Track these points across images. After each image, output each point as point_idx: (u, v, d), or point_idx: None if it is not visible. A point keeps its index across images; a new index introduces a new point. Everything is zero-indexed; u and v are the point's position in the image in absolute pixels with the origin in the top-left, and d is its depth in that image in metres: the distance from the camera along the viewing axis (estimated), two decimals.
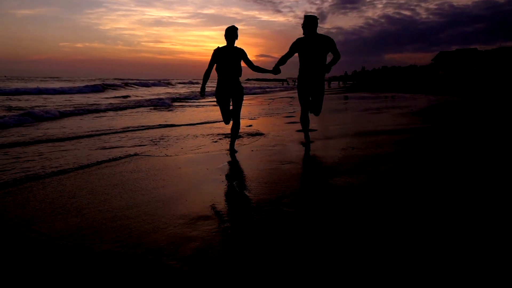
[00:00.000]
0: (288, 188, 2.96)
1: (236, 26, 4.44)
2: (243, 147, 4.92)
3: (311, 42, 4.45)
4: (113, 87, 30.24)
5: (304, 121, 4.84)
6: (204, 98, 5.13)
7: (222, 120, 4.70)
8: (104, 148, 5.06)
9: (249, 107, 13.38)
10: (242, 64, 4.58)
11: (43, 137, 6.01)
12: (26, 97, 17.68)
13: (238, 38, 4.46)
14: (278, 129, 6.64)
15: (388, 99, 14.72)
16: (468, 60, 61.61)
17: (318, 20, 4.49)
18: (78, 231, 2.25)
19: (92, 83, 36.63)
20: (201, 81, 4.75)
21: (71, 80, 53.81)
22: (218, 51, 4.39)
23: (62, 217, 2.49)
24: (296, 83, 4.71)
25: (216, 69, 4.46)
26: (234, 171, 3.69)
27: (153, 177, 3.48)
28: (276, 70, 4.67)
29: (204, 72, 4.55)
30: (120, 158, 4.35)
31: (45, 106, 12.61)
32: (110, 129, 6.99)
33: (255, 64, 4.67)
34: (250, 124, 7.45)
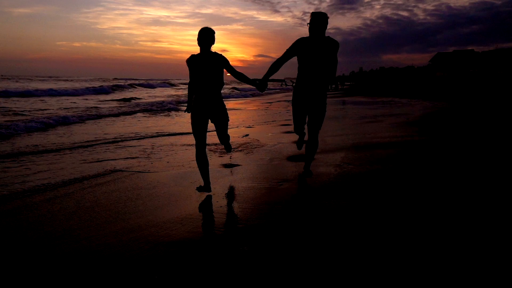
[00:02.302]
0: (282, 213, 2.99)
1: (212, 28, 3.50)
2: (239, 161, 4.94)
3: (317, 45, 3.58)
4: (120, 88, 31.06)
5: (300, 142, 4.34)
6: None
7: (195, 148, 3.63)
8: (92, 161, 5.06)
9: (247, 112, 13.41)
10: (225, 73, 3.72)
11: (36, 148, 6.00)
12: (32, 99, 17.80)
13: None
14: (275, 140, 6.67)
15: (385, 105, 14.78)
16: (465, 62, 61.91)
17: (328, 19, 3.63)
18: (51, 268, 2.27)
19: (92, 83, 36.78)
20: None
21: (71, 80, 53.62)
22: (192, 60, 3.51)
23: (28, 252, 2.47)
24: (294, 84, 3.83)
25: (190, 82, 3.62)
26: (227, 190, 3.70)
27: (135, 198, 3.48)
28: (262, 85, 3.77)
29: (188, 85, 3.70)
30: (105, 174, 4.35)
31: (46, 110, 12.58)
32: (105, 139, 6.98)
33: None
34: (247, 133, 7.47)
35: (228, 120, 3.74)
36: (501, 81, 25.50)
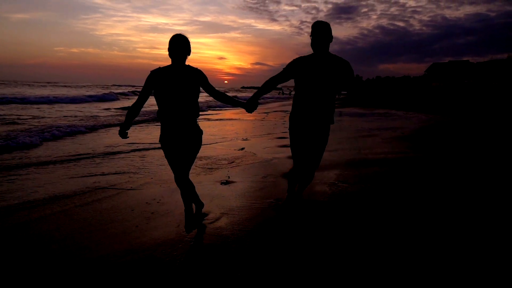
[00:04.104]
0: (277, 236, 3.01)
1: (186, 36, 2.76)
2: (235, 177, 4.95)
3: (319, 65, 2.97)
4: (123, 96, 31.48)
5: (294, 178, 3.42)
6: (127, 139, 2.94)
7: (174, 178, 3.04)
8: (77, 176, 5.02)
9: (243, 123, 13.44)
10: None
11: (23, 161, 5.96)
12: (35, 107, 17.86)
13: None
14: (271, 154, 6.68)
15: (381, 117, 14.90)
16: (460, 72, 62.68)
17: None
18: None
19: (92, 90, 36.96)
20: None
21: (69, 86, 53.42)
22: (157, 74, 2.76)
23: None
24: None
25: (158, 104, 2.84)
26: (222, 210, 3.71)
27: (124, 220, 3.47)
28: (251, 106, 3.17)
29: (131, 105, 2.91)
30: (90, 191, 4.29)
31: (43, 118, 12.57)
32: (94, 151, 6.94)
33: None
34: (243, 147, 7.49)
35: (199, 150, 3.05)
36: (495, 92, 25.83)
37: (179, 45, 2.70)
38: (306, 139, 3.14)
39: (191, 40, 2.82)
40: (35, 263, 2.58)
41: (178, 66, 2.77)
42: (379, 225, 3.20)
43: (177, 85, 2.73)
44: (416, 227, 3.14)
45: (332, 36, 2.95)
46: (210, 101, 24.77)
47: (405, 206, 3.68)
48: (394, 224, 3.22)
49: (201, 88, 2.94)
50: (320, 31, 2.89)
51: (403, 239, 2.90)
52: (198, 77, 2.83)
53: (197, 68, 2.86)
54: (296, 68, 3.04)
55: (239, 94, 40.92)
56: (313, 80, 2.96)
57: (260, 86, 3.29)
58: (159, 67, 2.81)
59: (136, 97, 2.89)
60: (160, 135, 2.93)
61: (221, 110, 20.48)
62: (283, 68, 3.13)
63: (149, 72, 2.79)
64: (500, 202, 3.76)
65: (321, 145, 3.18)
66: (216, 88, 2.99)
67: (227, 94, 3.18)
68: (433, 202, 3.79)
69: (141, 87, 2.88)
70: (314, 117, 3.06)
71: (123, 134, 2.87)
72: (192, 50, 2.82)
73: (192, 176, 5.04)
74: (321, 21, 2.94)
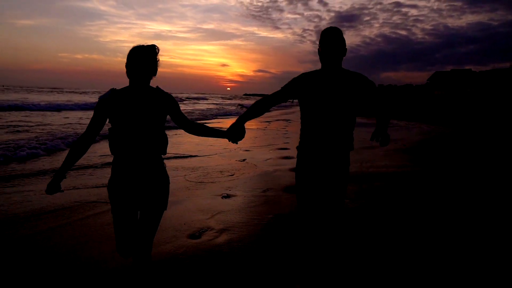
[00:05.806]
0: (276, 255, 3.00)
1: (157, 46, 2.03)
2: (235, 190, 4.95)
3: (332, 84, 2.28)
4: None
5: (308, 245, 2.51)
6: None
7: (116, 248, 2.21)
8: (68, 188, 4.99)
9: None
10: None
11: (15, 172, 5.99)
12: (41, 113, 18.00)
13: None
14: (272, 166, 6.68)
15: None
16: (463, 81, 62.79)
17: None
18: None
19: (95, 97, 37.20)
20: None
21: (74, 92, 53.71)
22: (109, 101, 2.01)
23: None
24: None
25: (109, 136, 2.05)
26: (222, 226, 3.70)
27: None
28: (235, 134, 2.45)
29: (76, 140, 2.09)
30: (82, 203, 4.26)
31: (48, 125, 12.62)
32: (83, 164, 6.90)
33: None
34: (244, 158, 7.50)
35: (165, 209, 2.18)
36: (498, 101, 25.84)
37: (143, 61, 1.97)
38: (321, 175, 2.33)
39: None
40: (38, 281, 2.58)
41: (140, 88, 2.04)
42: (382, 247, 3.18)
43: (138, 112, 2.00)
44: (415, 248, 3.12)
45: (346, 48, 2.32)
46: (220, 108, 24.30)
47: (403, 224, 3.67)
48: (394, 244, 3.20)
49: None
50: (334, 40, 2.24)
51: (402, 262, 2.88)
52: (167, 104, 2.13)
53: (167, 93, 2.16)
54: (301, 87, 2.34)
55: (243, 102, 40.69)
56: (327, 98, 2.27)
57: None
58: (112, 89, 2.05)
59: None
60: (110, 178, 2.10)
61: (224, 118, 20.53)
62: (282, 87, 2.43)
63: (98, 100, 2.04)
64: (496, 225, 3.74)
65: (343, 177, 2.35)
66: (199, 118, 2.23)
67: (205, 124, 2.43)
68: (430, 221, 3.77)
69: None
70: (332, 144, 2.31)
71: (55, 188, 2.03)
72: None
73: (192, 189, 5.06)
74: (333, 28, 2.29)
